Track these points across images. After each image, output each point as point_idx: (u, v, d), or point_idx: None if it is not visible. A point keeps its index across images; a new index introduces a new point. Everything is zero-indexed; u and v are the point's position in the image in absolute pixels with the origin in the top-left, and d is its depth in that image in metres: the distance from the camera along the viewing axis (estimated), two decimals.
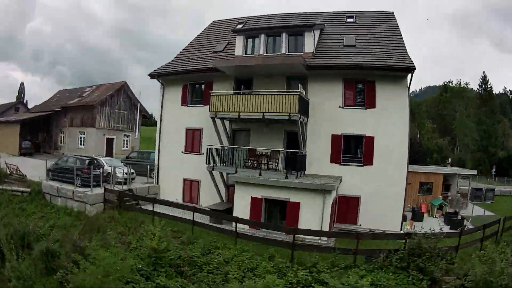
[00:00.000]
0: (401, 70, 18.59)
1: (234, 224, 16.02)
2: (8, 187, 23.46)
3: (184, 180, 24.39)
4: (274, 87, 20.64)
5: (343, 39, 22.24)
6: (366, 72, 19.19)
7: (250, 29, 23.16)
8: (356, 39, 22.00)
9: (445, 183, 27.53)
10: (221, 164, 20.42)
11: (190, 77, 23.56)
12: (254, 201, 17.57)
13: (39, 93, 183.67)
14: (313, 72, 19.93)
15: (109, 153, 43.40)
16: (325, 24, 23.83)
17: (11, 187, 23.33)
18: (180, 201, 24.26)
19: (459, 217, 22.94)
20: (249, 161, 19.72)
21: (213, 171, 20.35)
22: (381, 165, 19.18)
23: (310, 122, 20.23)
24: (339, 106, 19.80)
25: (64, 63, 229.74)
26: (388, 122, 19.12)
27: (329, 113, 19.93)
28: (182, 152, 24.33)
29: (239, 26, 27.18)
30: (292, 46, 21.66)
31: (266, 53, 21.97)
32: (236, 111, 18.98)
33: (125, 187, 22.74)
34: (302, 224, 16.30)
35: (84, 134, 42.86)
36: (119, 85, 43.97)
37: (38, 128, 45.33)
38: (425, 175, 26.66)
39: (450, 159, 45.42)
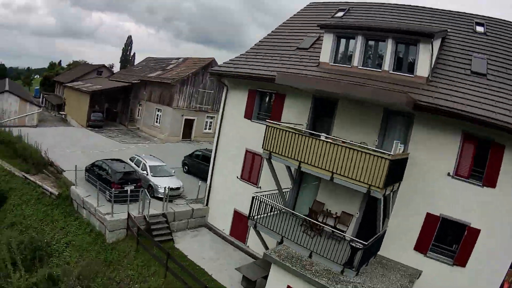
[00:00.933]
0: None
1: None
2: (40, 182, 23.65)
3: (235, 211, 22.23)
4: (364, 122, 16.52)
5: (470, 59, 16.54)
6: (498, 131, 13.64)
7: (343, 26, 18.55)
8: (487, 64, 16.23)
9: None
10: (272, 213, 17.28)
11: (259, 83, 20.36)
12: None
13: (155, 44, 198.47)
14: (422, 113, 15.04)
15: (187, 135, 43.61)
16: (448, 30, 18.36)
17: (43, 183, 23.34)
18: (227, 232, 22.74)
19: None
20: (308, 223, 16.07)
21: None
22: (476, 270, 14.24)
23: (403, 185, 15.58)
24: (448, 174, 14.71)
25: (181, 18, 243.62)
26: (506, 213, 13.72)
27: (432, 181, 15.00)
28: (237, 177, 21.95)
29: (339, 14, 22.75)
30: (399, 61, 16.81)
31: (362, 65, 17.53)
32: (296, 159, 15.31)
33: (156, 209, 21.19)
34: None
35: (160, 112, 43.07)
36: (206, 61, 42.79)
37: (117, 97, 46.63)
38: None
39: None
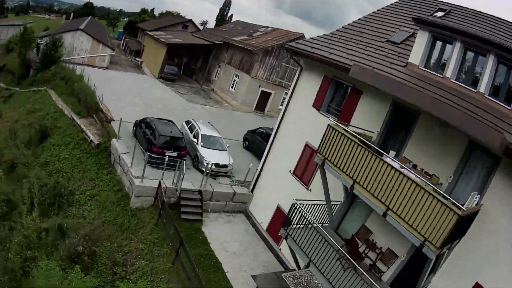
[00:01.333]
0: None
1: None
2: (84, 127, 23.52)
3: (278, 207, 20.35)
4: (443, 149, 13.46)
5: None
6: None
7: (441, 26, 15.13)
8: None
9: None
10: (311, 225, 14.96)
11: (335, 71, 17.87)
12: None
13: (254, 10, 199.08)
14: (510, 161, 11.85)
15: (261, 107, 42.33)
16: None
17: (87, 129, 23.04)
18: (264, 227, 21.14)
19: None
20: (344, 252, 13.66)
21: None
22: None
23: (462, 240, 12.55)
24: None
25: None
26: None
27: (494, 246, 11.78)
28: (290, 171, 19.95)
29: (439, 13, 19.39)
30: (498, 84, 13.44)
31: (455, 79, 14.40)
32: (351, 177, 12.98)
33: (194, 184, 20.04)
34: None
35: (238, 78, 41.98)
36: (294, 36, 40.42)
37: (198, 54, 46.13)
38: None
39: None
